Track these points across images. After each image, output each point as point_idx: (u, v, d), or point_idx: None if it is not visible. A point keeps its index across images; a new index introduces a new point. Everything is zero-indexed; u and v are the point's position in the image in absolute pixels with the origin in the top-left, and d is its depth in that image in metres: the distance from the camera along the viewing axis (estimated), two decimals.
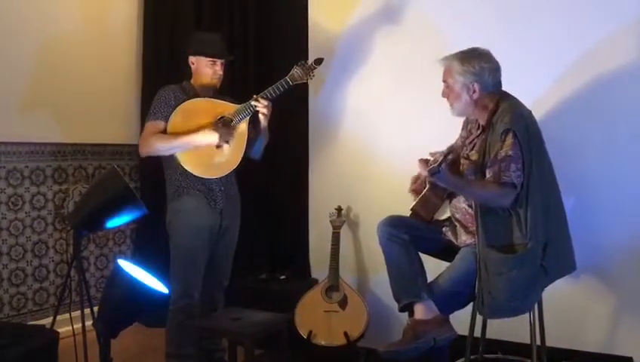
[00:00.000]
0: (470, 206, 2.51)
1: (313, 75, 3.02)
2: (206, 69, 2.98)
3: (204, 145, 2.88)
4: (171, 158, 2.94)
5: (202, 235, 2.95)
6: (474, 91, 2.48)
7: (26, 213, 3.61)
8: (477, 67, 2.47)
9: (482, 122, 2.53)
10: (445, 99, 2.56)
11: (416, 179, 2.72)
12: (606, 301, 2.90)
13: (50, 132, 3.71)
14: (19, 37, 3.52)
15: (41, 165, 3.68)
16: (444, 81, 2.55)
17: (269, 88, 2.95)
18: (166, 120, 2.91)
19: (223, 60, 3.01)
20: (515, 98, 2.51)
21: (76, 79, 3.81)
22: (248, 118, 2.95)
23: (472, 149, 2.57)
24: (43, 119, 3.66)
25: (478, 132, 2.56)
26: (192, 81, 3.05)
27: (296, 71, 2.97)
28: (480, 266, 2.38)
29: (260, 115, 2.95)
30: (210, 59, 2.98)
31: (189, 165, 2.90)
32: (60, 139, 3.76)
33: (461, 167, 2.59)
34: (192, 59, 3.02)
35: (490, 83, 2.49)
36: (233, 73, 3.55)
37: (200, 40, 3.05)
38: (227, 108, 2.97)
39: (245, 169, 3.15)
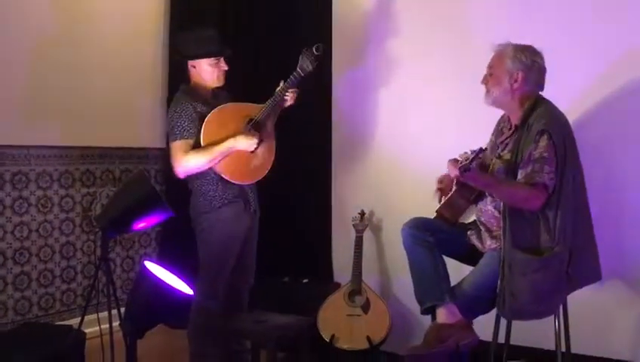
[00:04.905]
0: (497, 209, 2.49)
1: (317, 63, 2.87)
2: (209, 69, 2.87)
3: (243, 149, 2.84)
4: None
5: (238, 242, 2.94)
6: (515, 80, 2.44)
7: (54, 215, 3.68)
8: (529, 59, 2.45)
9: (516, 121, 2.50)
10: (483, 85, 2.51)
11: (443, 179, 2.67)
12: (634, 308, 2.85)
13: (79, 136, 3.77)
14: (48, 43, 3.59)
15: (70, 168, 3.75)
16: (490, 66, 2.51)
17: (288, 79, 2.89)
18: (193, 136, 2.81)
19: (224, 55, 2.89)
20: (552, 103, 2.48)
21: (103, 84, 3.87)
22: (272, 111, 2.92)
23: (504, 149, 2.54)
24: (72, 124, 3.72)
25: (511, 132, 2.53)
26: (191, 84, 2.93)
27: (304, 61, 2.85)
28: (504, 266, 2.36)
29: (287, 104, 2.96)
30: (214, 58, 2.86)
31: (229, 174, 2.84)
32: (88, 143, 3.82)
33: (490, 168, 2.56)
34: (192, 63, 2.87)
35: (534, 80, 2.46)
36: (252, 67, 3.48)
37: (196, 41, 2.88)
38: (252, 109, 2.94)
39: (268, 173, 3.17)
